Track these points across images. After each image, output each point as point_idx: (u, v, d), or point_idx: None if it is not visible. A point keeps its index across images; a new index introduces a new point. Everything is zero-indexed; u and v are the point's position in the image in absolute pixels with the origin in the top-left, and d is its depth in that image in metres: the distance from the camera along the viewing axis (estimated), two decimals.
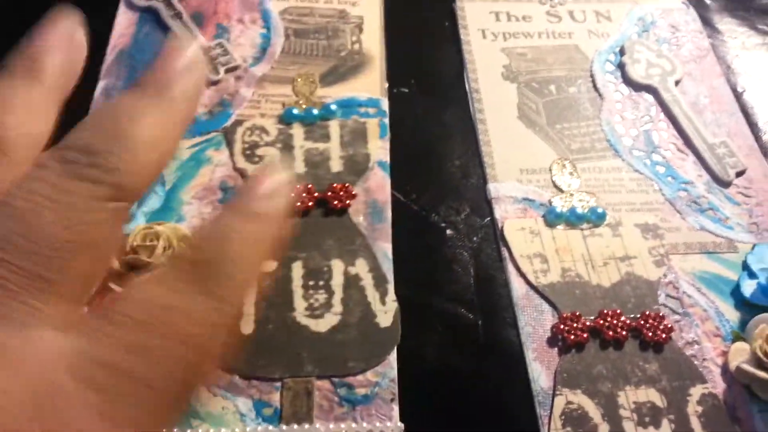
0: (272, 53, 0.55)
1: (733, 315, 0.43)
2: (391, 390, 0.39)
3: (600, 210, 0.47)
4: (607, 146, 0.51)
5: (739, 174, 0.50)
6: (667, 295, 0.44)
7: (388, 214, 0.46)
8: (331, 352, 0.40)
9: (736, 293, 0.44)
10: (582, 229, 0.46)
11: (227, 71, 0.53)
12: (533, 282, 0.44)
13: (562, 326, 0.41)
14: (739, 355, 0.40)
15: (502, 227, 0.46)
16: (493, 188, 0.48)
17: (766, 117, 0.54)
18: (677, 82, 0.54)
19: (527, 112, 0.53)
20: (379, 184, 0.48)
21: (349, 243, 0.45)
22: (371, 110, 0.52)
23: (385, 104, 0.52)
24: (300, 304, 0.42)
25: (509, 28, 0.57)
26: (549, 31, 0.58)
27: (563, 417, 0.38)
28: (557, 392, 0.39)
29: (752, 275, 0.44)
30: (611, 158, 0.50)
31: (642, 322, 0.42)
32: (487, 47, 0.56)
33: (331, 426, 0.37)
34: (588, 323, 0.41)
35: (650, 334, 0.41)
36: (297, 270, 0.43)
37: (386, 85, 0.54)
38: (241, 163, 0.48)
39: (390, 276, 0.43)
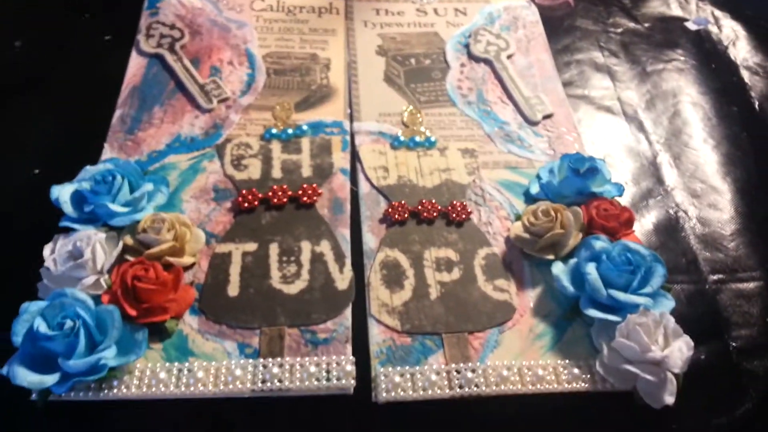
0: (256, 87, 0.68)
1: (521, 207, 0.59)
2: (346, 335, 0.49)
3: (433, 139, 0.64)
4: (447, 99, 0.69)
5: (546, 117, 0.67)
6: (474, 193, 0.60)
7: (347, 207, 0.58)
8: (300, 308, 0.51)
9: (526, 194, 0.60)
10: (417, 152, 0.63)
11: (219, 102, 0.66)
12: (375, 184, 0.60)
13: (390, 210, 0.57)
14: (516, 228, 0.56)
15: (358, 150, 0.63)
16: (355, 126, 0.65)
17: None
18: (510, 56, 0.74)
19: (390, 77, 0.71)
20: (340, 185, 0.60)
21: (316, 229, 0.56)
22: (335, 129, 0.65)
23: (347, 125, 0.65)
24: (276, 274, 0.53)
25: (385, 20, 0.78)
26: (416, 22, 0.78)
27: (381, 263, 0.54)
28: (380, 250, 0.55)
29: (539, 181, 0.60)
30: (449, 107, 0.68)
31: (450, 208, 0.58)
32: (368, 33, 0.76)
33: (298, 359, 0.47)
34: (410, 208, 0.57)
35: (454, 215, 0.57)
36: (273, 249, 0.54)
37: (348, 110, 0.67)
38: (230, 171, 0.60)
39: (348, 253, 0.55)
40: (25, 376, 0.42)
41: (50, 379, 0.42)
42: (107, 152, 0.60)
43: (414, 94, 0.69)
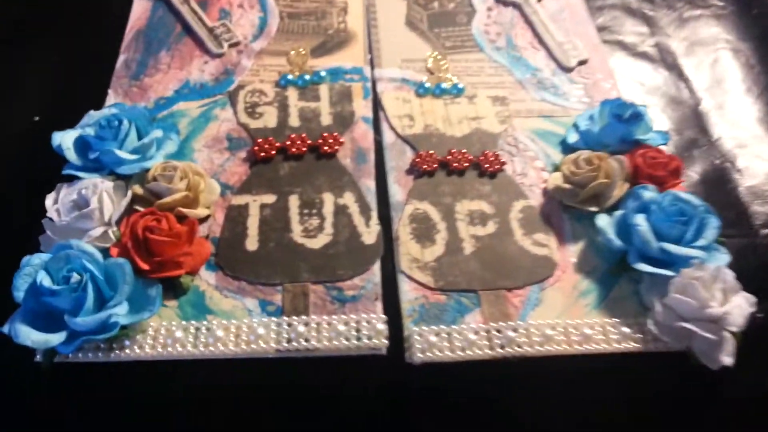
0: (269, 32, 0.63)
1: (557, 157, 0.55)
2: (376, 292, 0.46)
3: (460, 86, 0.60)
4: (474, 44, 0.64)
5: (581, 63, 0.62)
6: (506, 143, 0.55)
7: (371, 157, 0.54)
8: (324, 263, 0.47)
9: (563, 143, 0.56)
10: (444, 100, 0.58)
11: (230, 46, 0.61)
12: (400, 133, 0.55)
13: (418, 160, 0.53)
14: (555, 179, 0.52)
15: (380, 97, 0.58)
16: (377, 72, 0.61)
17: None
18: (539, 0, 0.68)
19: (413, 21, 0.66)
20: (362, 134, 0.55)
21: (338, 180, 0.52)
22: (355, 76, 0.60)
23: (367, 72, 0.60)
24: (297, 227, 0.49)
25: None
26: None
27: (411, 216, 0.50)
28: (408, 203, 0.51)
29: (577, 130, 0.55)
30: (476, 53, 0.63)
31: (482, 158, 0.53)
32: None
33: (325, 317, 0.43)
34: (439, 159, 0.53)
35: (486, 165, 0.53)
36: (293, 202, 0.50)
37: (368, 56, 0.62)
38: (244, 119, 0.56)
39: (374, 205, 0.51)
40: (29, 335, 0.38)
41: (56, 338, 0.39)
42: (111, 98, 0.56)
43: (438, 39, 0.64)
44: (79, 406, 0.41)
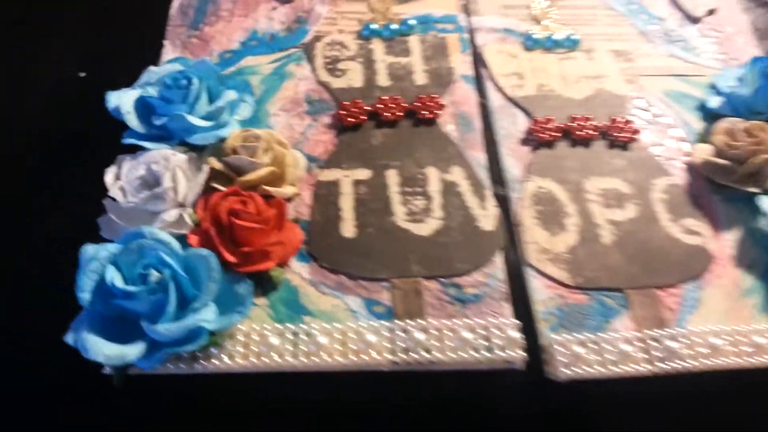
0: None
1: (697, 125, 0.46)
2: (502, 290, 0.38)
3: (575, 37, 0.50)
4: None
5: (710, 13, 0.53)
6: (636, 108, 0.47)
7: (477, 123, 0.45)
8: (436, 254, 0.39)
9: (701, 108, 0.47)
10: (557, 53, 0.50)
11: None
12: (510, 95, 0.47)
13: (535, 127, 0.45)
14: (703, 152, 0.44)
15: (481, 51, 0.49)
16: (474, 21, 0.52)
17: None
18: None
19: None
20: (464, 95, 0.47)
21: (442, 151, 0.44)
22: (449, 26, 0.51)
23: (463, 20, 0.51)
24: (399, 209, 0.41)
25: None
26: None
27: (534, 198, 0.42)
28: (529, 180, 0.43)
29: (719, 92, 0.47)
30: None
31: (611, 126, 0.45)
32: None
33: (445, 321, 0.36)
34: (560, 126, 0.45)
35: (617, 134, 0.45)
36: (392, 178, 0.42)
37: (462, 1, 0.53)
38: (324, 76, 0.47)
39: (486, 182, 0.42)
40: (101, 348, 0.31)
41: (134, 351, 0.32)
42: (169, 52, 0.47)
43: None
44: (156, 426, 0.34)
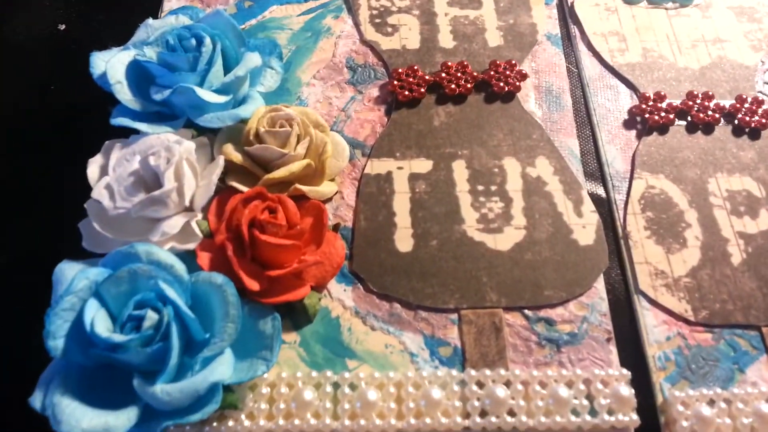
0: None
1: None
2: (605, 327, 0.29)
3: None
4: None
5: None
6: (766, 82, 0.37)
7: (567, 99, 0.36)
8: (519, 276, 0.30)
9: None
10: (666, 8, 0.40)
11: None
12: (609, 61, 0.37)
13: (642, 106, 0.34)
14: None
15: (572, 4, 0.40)
16: None
17: None
18: None
19: None
20: (550, 61, 0.37)
21: (525, 137, 0.34)
22: None
23: None
24: (470, 214, 0.32)
25: None
26: None
27: (643, 201, 0.32)
28: (636, 176, 0.33)
29: None
30: None
31: (737, 106, 0.35)
32: None
33: (535, 373, 0.27)
34: (674, 105, 0.35)
35: (746, 118, 0.35)
36: (459, 171, 0.33)
37: None
38: (371, 34, 0.37)
39: (581, 179, 0.33)
40: (78, 418, 0.23)
41: (122, 421, 0.23)
42: (172, 0, 0.38)
43: None
44: None
